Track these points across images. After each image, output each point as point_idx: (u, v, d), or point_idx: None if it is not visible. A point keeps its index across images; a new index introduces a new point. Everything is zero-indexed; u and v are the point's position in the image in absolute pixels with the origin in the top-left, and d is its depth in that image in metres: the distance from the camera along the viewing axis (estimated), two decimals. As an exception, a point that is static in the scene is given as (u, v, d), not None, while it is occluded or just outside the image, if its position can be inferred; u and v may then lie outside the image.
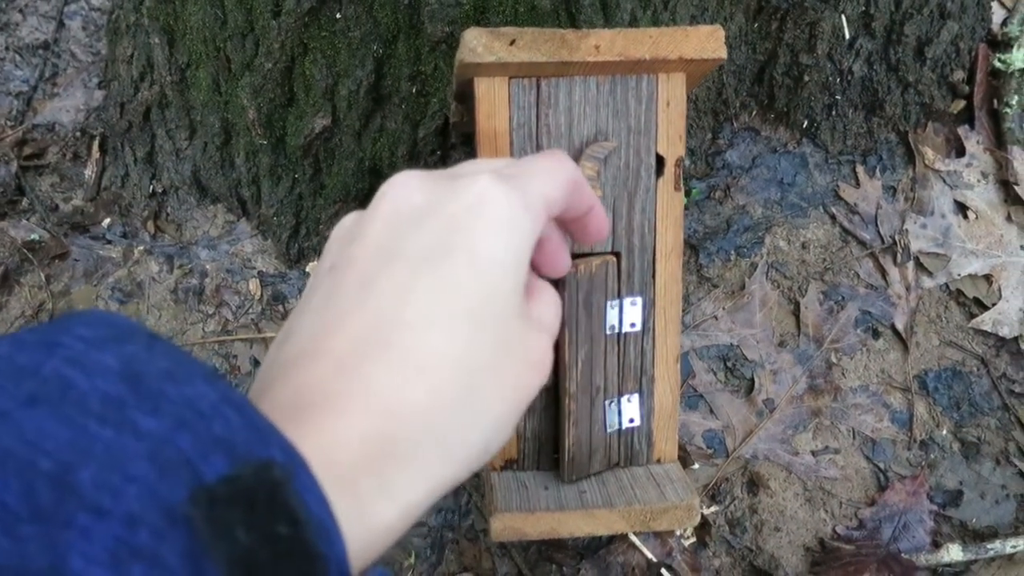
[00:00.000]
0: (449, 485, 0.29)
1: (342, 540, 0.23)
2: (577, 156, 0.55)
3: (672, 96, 0.56)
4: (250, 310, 0.78)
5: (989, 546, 0.68)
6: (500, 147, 0.55)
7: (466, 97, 0.59)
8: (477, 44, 0.51)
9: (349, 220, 0.36)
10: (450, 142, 0.72)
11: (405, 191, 0.34)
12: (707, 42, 0.52)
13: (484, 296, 0.31)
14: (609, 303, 0.61)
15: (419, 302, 0.30)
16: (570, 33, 0.51)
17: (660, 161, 0.56)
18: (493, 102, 0.54)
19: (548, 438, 0.60)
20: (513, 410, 0.32)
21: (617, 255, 0.58)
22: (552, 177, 0.36)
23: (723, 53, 0.53)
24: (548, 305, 0.37)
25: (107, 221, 0.88)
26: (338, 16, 0.66)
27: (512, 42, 0.51)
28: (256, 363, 0.77)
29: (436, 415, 0.29)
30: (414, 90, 0.69)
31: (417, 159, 0.73)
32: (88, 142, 0.94)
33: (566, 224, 0.41)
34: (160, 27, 0.75)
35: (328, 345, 0.29)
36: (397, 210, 0.33)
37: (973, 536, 0.70)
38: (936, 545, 0.69)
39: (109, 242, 0.83)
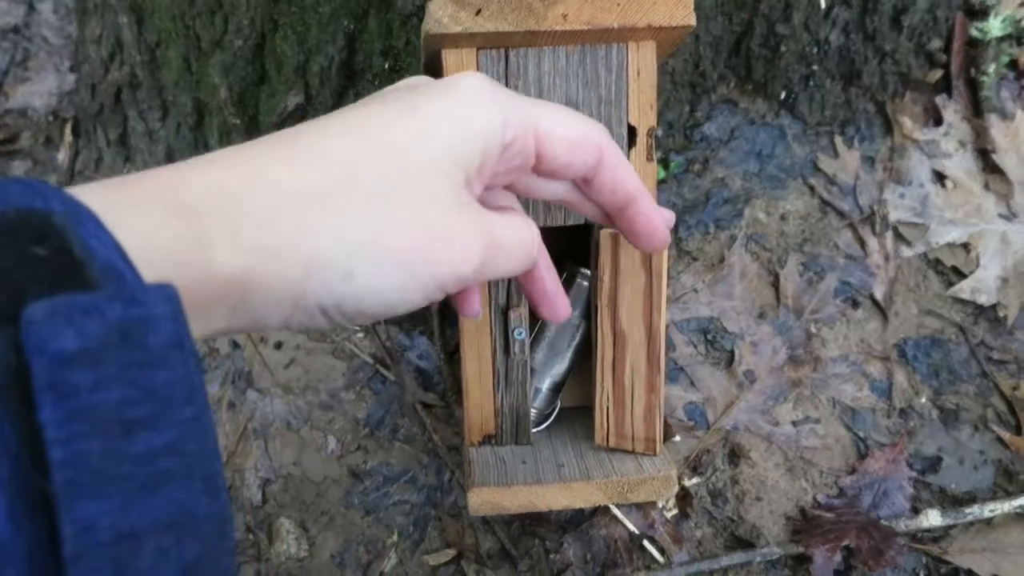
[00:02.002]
0: (296, 292, 0.28)
1: (123, 260, 0.22)
2: (548, 127, 0.55)
3: (642, 65, 0.55)
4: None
5: (968, 511, 0.69)
6: (470, 120, 0.55)
7: (435, 69, 0.58)
8: (443, 15, 0.50)
9: None
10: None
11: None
12: (676, 9, 0.52)
13: (416, 148, 0.31)
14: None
15: (344, 121, 0.31)
16: (537, 2, 0.50)
17: (632, 132, 0.56)
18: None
19: (525, 412, 0.60)
20: (402, 265, 0.30)
21: (591, 226, 0.57)
22: (556, 115, 0.36)
23: (692, 20, 0.52)
24: (511, 228, 0.36)
25: (81, 205, 0.87)
26: (307, -9, 0.65)
27: (478, 12, 0.50)
28: (235, 345, 0.76)
29: (305, 201, 0.28)
30: (387, 66, 0.68)
31: (391, 136, 0.72)
32: (60, 126, 0.93)
33: (610, 216, 0.40)
34: (128, 5, 0.74)
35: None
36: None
37: (952, 501, 0.71)
38: (916, 511, 0.70)
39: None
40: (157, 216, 0.25)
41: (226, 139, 0.77)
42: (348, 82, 0.70)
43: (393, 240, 0.30)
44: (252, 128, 0.75)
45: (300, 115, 0.72)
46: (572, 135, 0.36)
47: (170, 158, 0.83)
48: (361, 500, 0.71)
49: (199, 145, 0.80)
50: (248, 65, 0.71)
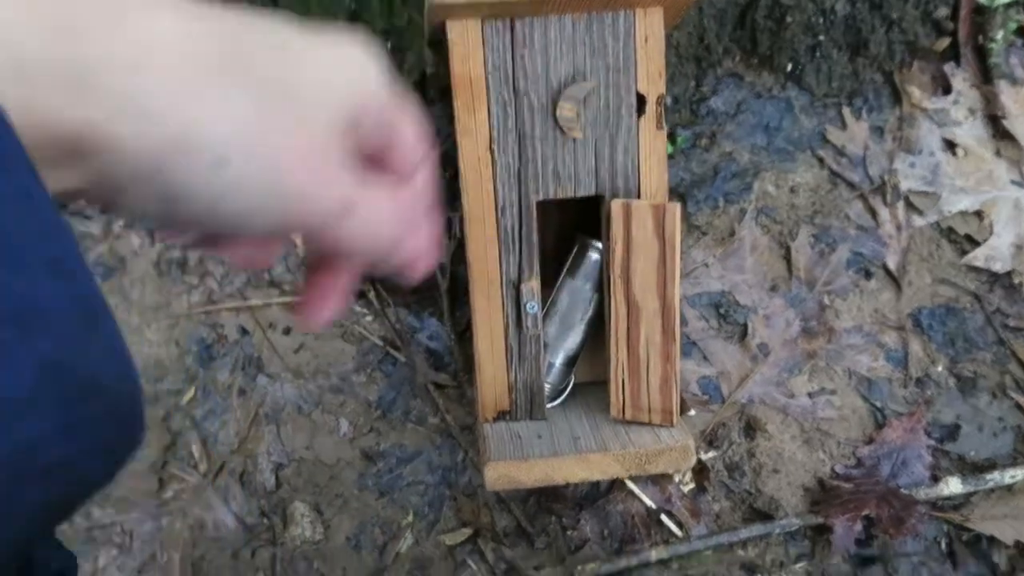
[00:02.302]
0: (155, 165, 0.24)
1: None
2: (555, 97, 0.54)
3: (650, 32, 0.54)
4: (235, 279, 0.77)
5: (988, 478, 0.68)
6: (476, 92, 0.54)
7: (439, 42, 0.58)
8: (447, -17, 0.49)
9: None
10: (428, 96, 0.70)
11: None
12: (683, -29, 0.51)
13: (314, 72, 0.28)
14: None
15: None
16: (542, -33, 0.50)
17: (641, 100, 0.55)
18: (467, 45, 0.53)
19: (539, 387, 0.60)
20: (270, 173, 0.27)
21: (601, 198, 0.57)
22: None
23: (699, -18, 0.51)
24: (376, 206, 0.31)
25: (87, 197, 0.86)
26: (307, -30, 0.64)
27: (483, -21, 0.49)
28: (243, 331, 0.76)
29: (190, 64, 0.25)
30: (389, 45, 0.68)
31: (396, 115, 0.72)
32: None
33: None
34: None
35: None
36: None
37: (972, 469, 0.70)
38: (935, 479, 0.69)
39: (88, 218, 0.81)
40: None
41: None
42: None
43: (274, 140, 0.27)
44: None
45: (304, 97, 0.72)
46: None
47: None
48: (375, 482, 0.71)
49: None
50: (250, 48, 0.71)
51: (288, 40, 0.29)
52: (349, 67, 0.30)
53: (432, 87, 0.69)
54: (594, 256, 0.60)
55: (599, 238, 0.59)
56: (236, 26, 0.27)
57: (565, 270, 0.62)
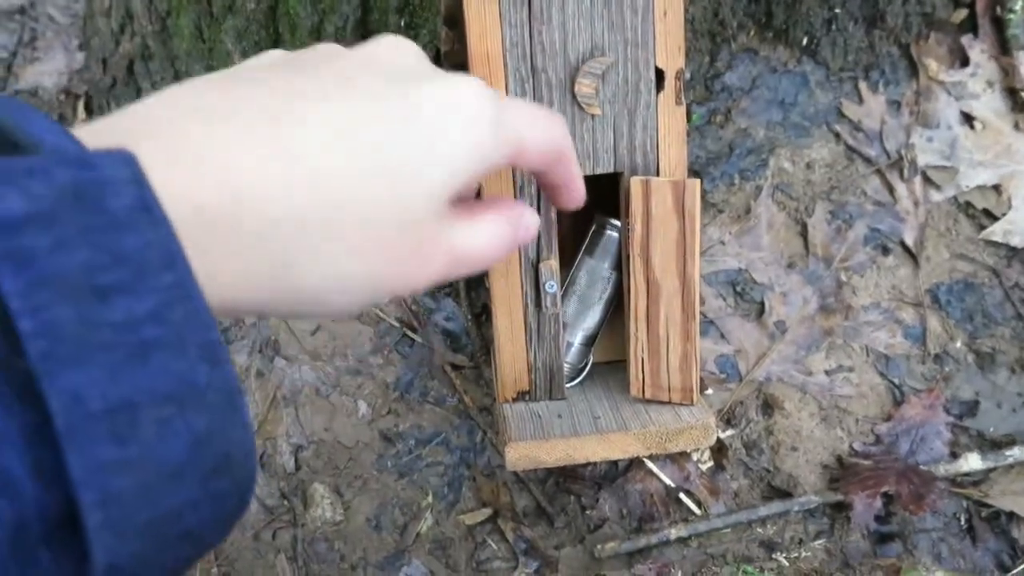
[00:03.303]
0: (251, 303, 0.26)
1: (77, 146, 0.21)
2: (574, 73, 0.54)
3: (669, 5, 0.54)
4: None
5: (1008, 454, 0.68)
6: (494, 69, 0.54)
7: (456, 21, 0.57)
8: (464, -42, 0.49)
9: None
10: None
11: (404, 44, 0.33)
12: (703, -57, 0.50)
13: (415, 171, 0.29)
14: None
15: (333, 120, 0.28)
16: (560, -59, 0.49)
17: (660, 75, 0.55)
18: (484, 22, 0.53)
19: (559, 367, 0.59)
20: (368, 288, 0.29)
21: (620, 175, 0.56)
22: (534, 128, 0.34)
23: (720, -46, 0.51)
24: (481, 236, 0.34)
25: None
26: (319, -53, 0.64)
27: (501, -47, 0.49)
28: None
29: (292, 228, 0.26)
30: (402, 23, 0.67)
31: (409, 95, 0.71)
32: (73, 103, 0.92)
33: (543, 187, 0.40)
34: (137, -26, 0.73)
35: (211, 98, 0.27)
36: (389, 47, 0.33)
37: (991, 445, 0.70)
38: (955, 456, 0.69)
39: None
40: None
41: (242, 107, 0.76)
42: (364, 41, 0.69)
43: (372, 269, 0.29)
44: (268, 94, 0.74)
45: (316, 78, 0.71)
46: (546, 147, 0.35)
47: (185, 129, 0.82)
48: (394, 463, 0.71)
49: (214, 115, 0.79)
50: (261, 29, 0.70)
51: (409, 111, 0.29)
52: (476, 133, 0.31)
53: (448, 63, 0.69)
54: (612, 235, 0.60)
55: (616, 217, 0.59)
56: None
57: (583, 249, 0.61)
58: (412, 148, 0.29)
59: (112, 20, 0.79)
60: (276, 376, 0.74)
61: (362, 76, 0.30)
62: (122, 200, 0.19)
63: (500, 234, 0.35)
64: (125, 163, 0.20)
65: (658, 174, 0.56)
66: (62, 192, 0.18)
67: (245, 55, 0.71)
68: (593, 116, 0.54)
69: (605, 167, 0.56)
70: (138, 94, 0.83)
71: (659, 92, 0.55)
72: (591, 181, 0.57)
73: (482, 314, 0.74)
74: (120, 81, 0.83)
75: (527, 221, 0.37)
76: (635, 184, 0.55)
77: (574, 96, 0.54)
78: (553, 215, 0.56)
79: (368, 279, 0.29)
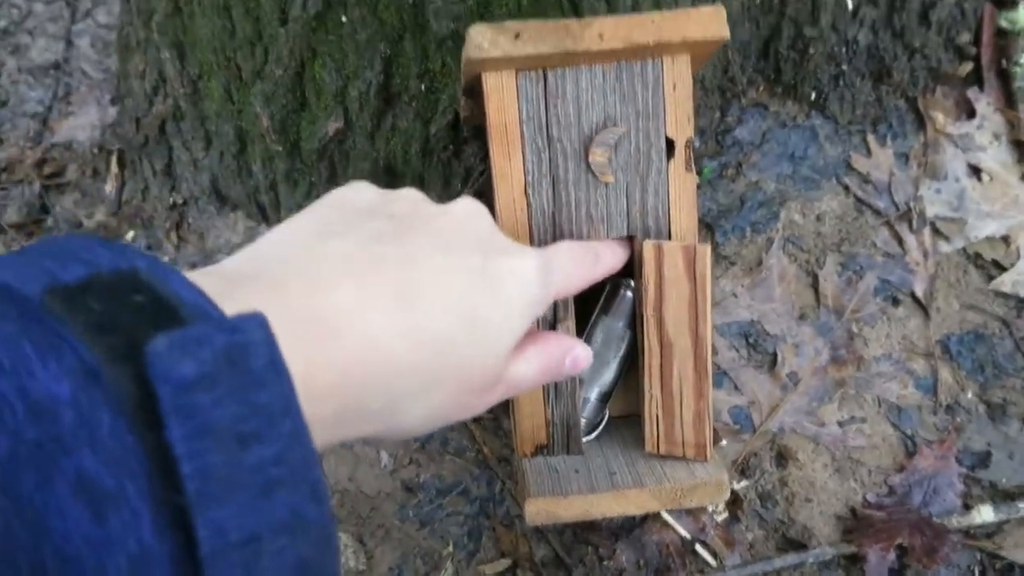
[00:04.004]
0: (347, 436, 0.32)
1: (213, 307, 0.24)
2: (588, 143, 0.56)
3: (678, 78, 0.56)
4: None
5: (1020, 505, 0.68)
6: (511, 139, 0.56)
7: (475, 92, 0.60)
8: (483, 40, 0.51)
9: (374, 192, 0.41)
10: (462, 136, 0.73)
11: (480, 211, 0.42)
12: (710, 22, 0.53)
13: (496, 330, 0.37)
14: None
15: (441, 289, 0.34)
16: (574, 23, 0.52)
17: (670, 143, 0.57)
18: (502, 95, 0.55)
19: (575, 422, 0.61)
20: (446, 420, 0.37)
21: (632, 238, 0.58)
22: (572, 278, 0.47)
23: (726, 32, 0.53)
24: (529, 363, 0.42)
25: (131, 234, 0.89)
26: (344, 19, 0.67)
27: (517, 36, 0.51)
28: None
29: (401, 378, 0.32)
30: (423, 87, 0.70)
31: (431, 155, 0.74)
32: (106, 158, 0.96)
33: None
34: (170, 41, 0.77)
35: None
36: (469, 214, 0.40)
37: (1004, 496, 0.70)
38: (967, 507, 0.70)
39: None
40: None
41: (268, 165, 0.79)
42: (386, 105, 0.72)
43: (454, 406, 0.36)
44: (294, 154, 0.77)
45: (340, 139, 0.74)
46: (578, 287, 0.48)
47: (215, 185, 0.85)
48: (416, 513, 0.73)
49: (242, 172, 0.82)
50: (288, 93, 0.73)
51: (491, 281, 0.38)
52: (536, 293, 0.40)
53: (466, 126, 0.72)
54: (627, 294, 0.62)
55: (631, 277, 0.61)
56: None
57: (599, 308, 0.63)
58: (494, 311, 0.36)
59: (146, 82, 0.83)
60: (300, 427, 0.76)
61: (455, 242, 0.37)
62: (260, 359, 0.23)
63: (548, 367, 0.44)
64: (260, 326, 0.23)
65: (670, 238, 0.58)
66: (219, 356, 0.22)
67: (272, 118, 0.74)
68: (607, 183, 0.57)
69: (619, 231, 0.58)
70: (170, 152, 0.86)
71: (670, 160, 0.57)
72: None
73: (500, 365, 0.76)
74: (152, 140, 0.86)
75: (577, 354, 0.46)
76: (648, 248, 0.57)
77: (588, 165, 0.56)
78: (569, 277, 0.58)
79: (449, 415, 0.36)
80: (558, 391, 0.60)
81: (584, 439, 0.63)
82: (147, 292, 0.23)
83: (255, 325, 0.23)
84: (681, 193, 0.58)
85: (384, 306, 0.32)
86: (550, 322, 0.59)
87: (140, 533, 0.20)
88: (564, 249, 0.47)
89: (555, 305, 0.58)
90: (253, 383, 0.22)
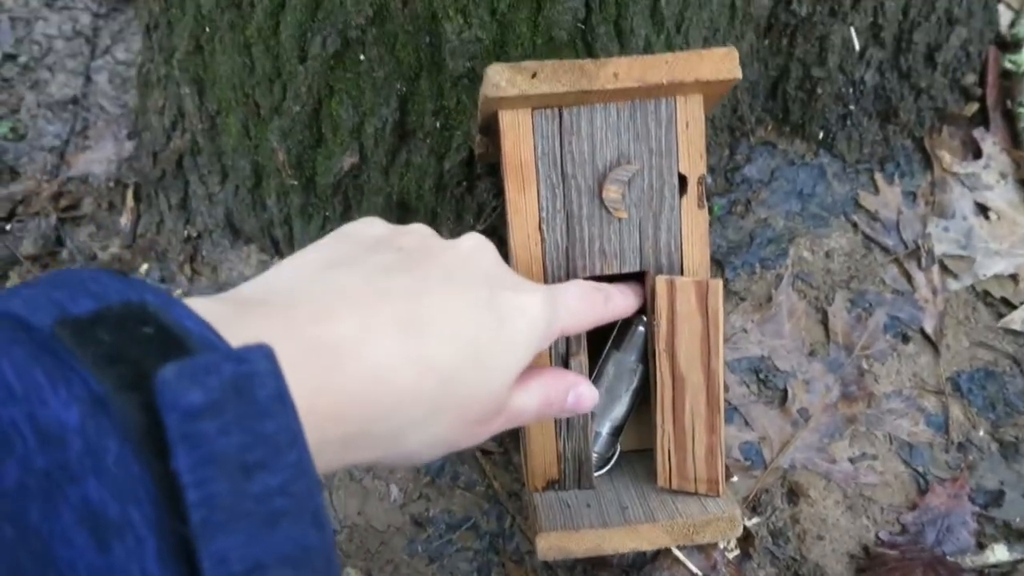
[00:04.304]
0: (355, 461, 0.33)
1: (218, 340, 0.25)
2: (602, 180, 0.57)
3: (691, 117, 0.57)
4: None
5: (1034, 545, 0.68)
6: (526, 175, 0.57)
7: (491, 129, 0.61)
8: (500, 79, 0.52)
9: (384, 226, 0.43)
10: (476, 172, 0.74)
11: (486, 246, 0.43)
12: (722, 64, 0.54)
13: (501, 363, 0.38)
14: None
15: (445, 321, 0.36)
16: (589, 63, 0.53)
17: (683, 180, 0.58)
18: (518, 133, 0.56)
19: (587, 457, 0.61)
20: (451, 448, 0.38)
21: (645, 274, 0.59)
22: (578, 317, 0.48)
23: (738, 73, 0.54)
24: (530, 396, 0.44)
25: (145, 267, 0.90)
26: (362, 58, 0.68)
27: (533, 75, 0.52)
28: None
29: (414, 407, 0.33)
30: (438, 124, 0.71)
31: (444, 191, 0.75)
32: (122, 191, 0.97)
33: None
34: (190, 77, 0.78)
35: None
36: (475, 250, 0.42)
37: (1018, 536, 0.70)
38: (981, 546, 0.69)
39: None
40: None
41: (283, 199, 0.80)
42: (401, 142, 0.73)
43: (456, 435, 0.37)
44: (309, 188, 0.78)
45: (355, 175, 0.75)
46: (585, 326, 0.49)
47: (229, 219, 0.86)
48: (425, 548, 0.72)
49: (257, 206, 0.83)
50: (305, 129, 0.74)
51: (498, 317, 0.39)
52: (540, 331, 0.42)
53: (480, 163, 0.73)
54: (639, 329, 0.62)
55: (643, 312, 0.61)
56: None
57: (610, 343, 0.64)
58: (497, 344, 0.37)
59: (165, 117, 0.84)
60: (311, 459, 0.76)
61: (461, 276, 0.39)
62: (266, 390, 0.23)
63: (549, 400, 0.45)
64: (267, 357, 0.23)
65: (682, 273, 0.59)
66: (226, 386, 0.22)
67: (289, 153, 0.76)
68: (620, 219, 0.57)
69: (632, 266, 0.58)
70: (186, 186, 0.87)
71: (682, 196, 0.58)
72: (619, 279, 0.60)
73: (511, 399, 0.76)
74: (169, 174, 0.87)
75: (581, 391, 0.47)
76: (660, 283, 0.57)
77: (602, 201, 0.57)
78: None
79: (451, 442, 0.37)
80: (570, 425, 0.61)
81: (596, 473, 0.63)
82: (155, 323, 0.24)
83: (261, 356, 0.23)
84: (693, 229, 0.59)
85: (389, 335, 0.33)
86: (563, 356, 0.59)
87: (144, 563, 0.20)
88: (573, 287, 0.48)
89: (568, 340, 0.59)
90: (259, 413, 0.22)
